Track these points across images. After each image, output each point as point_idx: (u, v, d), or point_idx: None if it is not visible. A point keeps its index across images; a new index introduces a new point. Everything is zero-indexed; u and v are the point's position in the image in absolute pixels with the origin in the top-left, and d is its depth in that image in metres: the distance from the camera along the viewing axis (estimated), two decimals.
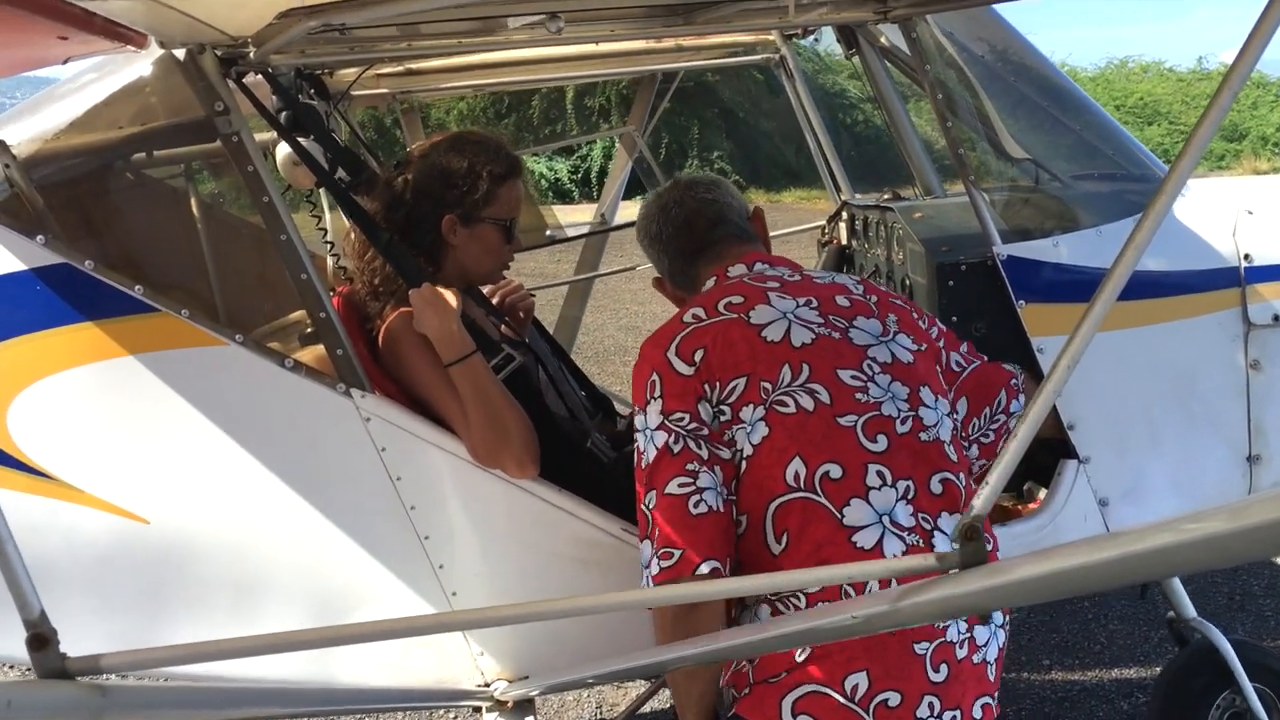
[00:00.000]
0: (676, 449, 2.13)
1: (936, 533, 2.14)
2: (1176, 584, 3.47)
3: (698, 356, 2.20)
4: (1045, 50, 3.84)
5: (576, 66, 5.02)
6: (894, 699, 2.05)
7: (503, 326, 2.96)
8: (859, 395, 2.18)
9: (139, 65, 2.66)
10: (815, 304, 2.29)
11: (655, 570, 2.08)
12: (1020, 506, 3.18)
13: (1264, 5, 1.11)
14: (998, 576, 0.98)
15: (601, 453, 2.81)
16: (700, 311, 2.28)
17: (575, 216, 10.24)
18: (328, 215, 3.77)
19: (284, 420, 2.64)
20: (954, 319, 3.03)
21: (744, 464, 2.14)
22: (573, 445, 2.79)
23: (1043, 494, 3.06)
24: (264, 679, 2.63)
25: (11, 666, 3.57)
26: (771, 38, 4.64)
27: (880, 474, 2.12)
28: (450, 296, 2.62)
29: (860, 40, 4.02)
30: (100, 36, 2.21)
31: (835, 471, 2.11)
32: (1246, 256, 3.14)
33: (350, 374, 2.59)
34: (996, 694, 2.20)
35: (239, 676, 2.59)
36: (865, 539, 2.08)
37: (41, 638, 1.08)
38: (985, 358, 2.58)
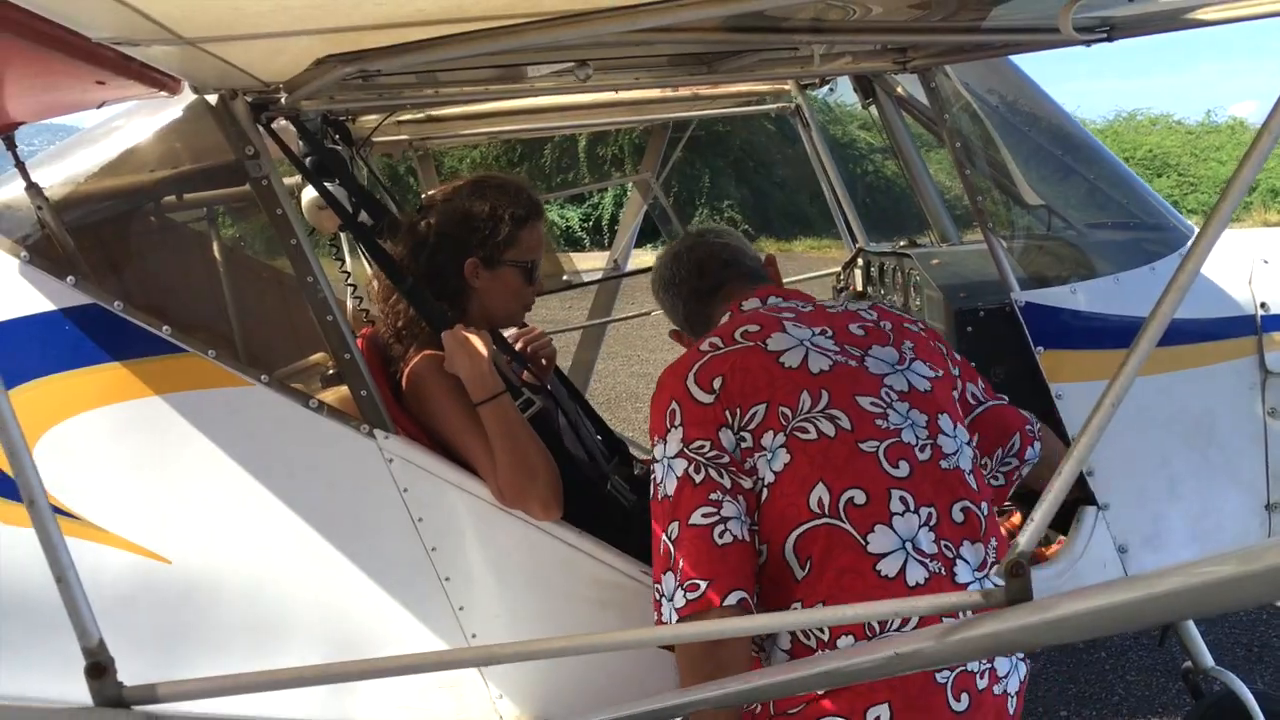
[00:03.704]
0: (698, 478, 2.10)
1: (959, 561, 2.12)
2: (1195, 634, 3.44)
3: (716, 384, 2.19)
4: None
5: (593, 114, 5.09)
6: None
7: (524, 373, 2.98)
8: (879, 421, 2.17)
9: (170, 110, 2.71)
10: (830, 333, 2.30)
11: (680, 603, 2.04)
12: (1038, 550, 3.17)
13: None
14: (1044, 613, 0.98)
15: (621, 496, 2.82)
16: (717, 340, 2.29)
17: (587, 264, 10.27)
18: (349, 258, 3.81)
19: (307, 461, 2.65)
20: (971, 365, 3.04)
21: (765, 492, 2.12)
22: (592, 488, 2.79)
23: (1060, 539, 3.05)
24: None
25: None
26: (787, 87, 4.70)
27: (903, 500, 2.11)
28: (481, 338, 2.64)
29: (878, 90, 4.07)
30: (135, 81, 2.25)
31: (859, 497, 2.09)
32: (1263, 305, 3.16)
33: (374, 415, 2.60)
34: None
35: (255, 718, 2.58)
36: (888, 567, 2.06)
37: (100, 666, 1.09)
38: (1005, 398, 2.58)
